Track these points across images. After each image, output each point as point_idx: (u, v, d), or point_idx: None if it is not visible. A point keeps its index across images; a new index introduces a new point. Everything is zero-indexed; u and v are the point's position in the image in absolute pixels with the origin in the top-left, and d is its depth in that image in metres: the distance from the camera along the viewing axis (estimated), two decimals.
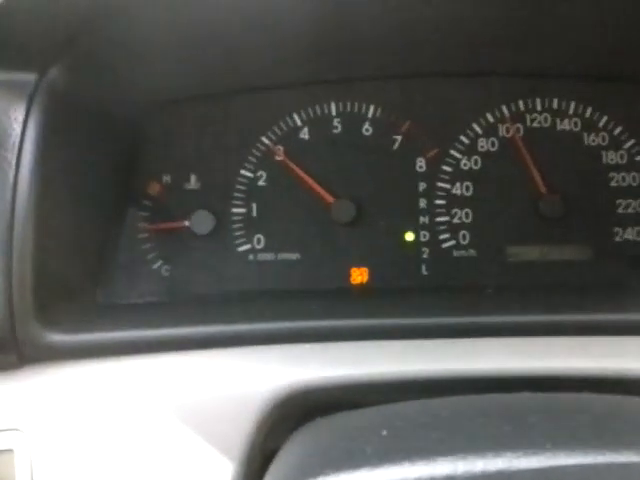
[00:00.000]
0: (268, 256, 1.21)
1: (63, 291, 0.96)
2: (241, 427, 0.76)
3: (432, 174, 1.21)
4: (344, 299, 1.14)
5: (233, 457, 0.76)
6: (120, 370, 0.86)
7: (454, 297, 1.11)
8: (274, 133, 1.23)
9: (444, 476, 0.54)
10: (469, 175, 1.21)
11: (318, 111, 1.23)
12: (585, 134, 1.21)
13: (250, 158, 1.22)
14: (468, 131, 1.22)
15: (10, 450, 0.79)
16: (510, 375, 0.78)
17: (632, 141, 1.21)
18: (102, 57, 0.99)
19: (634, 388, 0.75)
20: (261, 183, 1.22)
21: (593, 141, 1.21)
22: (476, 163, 1.22)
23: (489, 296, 1.09)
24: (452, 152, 1.22)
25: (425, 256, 1.20)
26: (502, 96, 1.23)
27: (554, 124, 1.22)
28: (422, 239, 1.20)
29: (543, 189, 1.18)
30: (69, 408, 0.82)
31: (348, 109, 1.23)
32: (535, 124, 1.22)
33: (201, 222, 1.19)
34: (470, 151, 1.22)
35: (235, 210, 1.21)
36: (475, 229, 1.20)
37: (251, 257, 1.21)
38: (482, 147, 1.22)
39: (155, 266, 1.20)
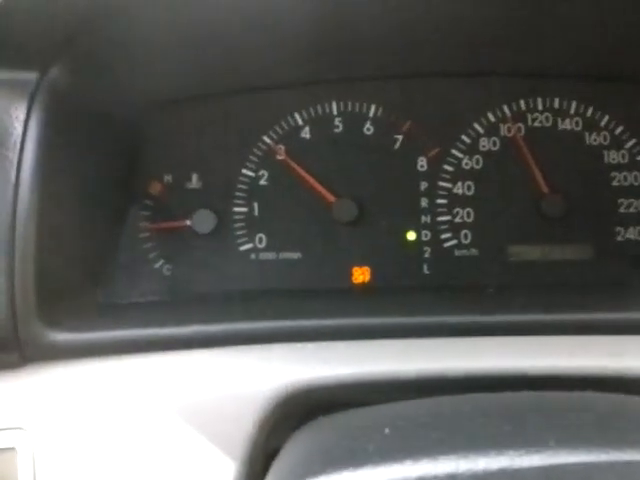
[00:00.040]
0: (270, 255, 1.21)
1: (65, 290, 0.96)
2: (243, 426, 0.76)
3: (433, 173, 1.21)
4: (346, 298, 1.14)
5: (235, 456, 0.76)
6: (122, 369, 0.86)
7: (456, 296, 1.11)
8: (275, 132, 1.23)
9: (446, 474, 0.54)
10: (470, 174, 1.21)
11: (319, 110, 1.23)
12: (586, 134, 1.21)
13: (251, 157, 1.22)
14: (469, 130, 1.22)
15: (12, 449, 0.79)
16: (512, 374, 0.78)
17: (633, 140, 1.21)
18: (102, 57, 0.99)
19: (635, 387, 0.75)
20: (262, 182, 1.22)
21: (594, 141, 1.21)
22: (477, 162, 1.22)
23: (490, 295, 1.09)
24: (453, 151, 1.22)
25: (427, 255, 1.20)
26: (503, 95, 1.23)
27: (555, 124, 1.22)
28: (424, 238, 1.20)
29: (545, 189, 1.18)
30: (71, 407, 0.82)
31: (349, 109, 1.23)
32: (536, 124, 1.22)
33: (203, 221, 1.19)
34: (471, 150, 1.22)
35: (236, 209, 1.21)
36: (477, 228, 1.20)
37: (253, 256, 1.21)
38: (483, 146, 1.22)
39: (157, 265, 1.20)
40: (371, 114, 1.23)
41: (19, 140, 0.87)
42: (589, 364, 0.78)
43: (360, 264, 1.20)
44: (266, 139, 1.23)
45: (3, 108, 0.87)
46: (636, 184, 1.20)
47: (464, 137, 1.22)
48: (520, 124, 1.22)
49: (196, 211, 1.19)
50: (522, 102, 1.22)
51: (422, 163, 1.22)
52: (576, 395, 0.71)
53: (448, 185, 1.21)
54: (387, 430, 0.63)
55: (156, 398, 0.81)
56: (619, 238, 1.19)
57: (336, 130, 1.23)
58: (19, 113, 0.88)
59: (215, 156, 1.22)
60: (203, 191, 1.22)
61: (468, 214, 1.21)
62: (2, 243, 0.85)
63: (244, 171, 1.22)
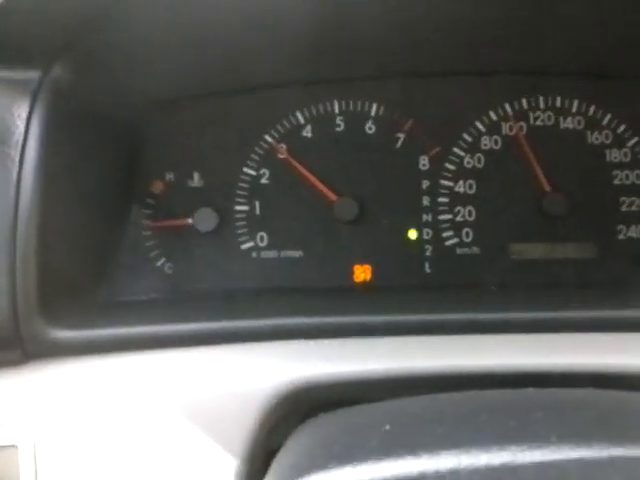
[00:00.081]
0: (271, 254, 1.21)
1: (67, 288, 0.96)
2: (244, 423, 0.76)
3: (435, 172, 1.21)
4: (347, 296, 1.14)
5: (236, 453, 0.76)
6: (123, 366, 0.86)
7: (457, 295, 1.11)
8: (277, 131, 1.23)
9: (448, 470, 0.54)
10: (472, 173, 1.21)
11: (321, 109, 1.23)
12: (588, 132, 1.21)
13: (253, 156, 1.22)
14: (471, 129, 1.22)
15: (14, 446, 0.79)
16: (513, 371, 0.78)
17: (635, 139, 1.20)
18: (103, 56, 0.99)
19: (637, 384, 0.75)
20: (264, 181, 1.22)
21: (596, 139, 1.21)
22: (479, 161, 1.22)
23: (492, 294, 1.09)
24: (455, 150, 1.22)
25: (428, 254, 1.20)
26: (505, 94, 1.22)
27: (557, 122, 1.22)
28: (425, 237, 1.20)
29: (546, 187, 1.18)
30: (73, 404, 0.82)
31: (351, 107, 1.23)
32: (538, 122, 1.22)
33: (204, 220, 1.19)
34: (473, 149, 1.22)
35: (238, 208, 1.21)
36: (478, 227, 1.20)
37: (254, 255, 1.21)
38: (485, 145, 1.22)
39: (158, 263, 1.20)
40: (373, 113, 1.23)
41: (21, 138, 0.87)
42: (591, 361, 0.79)
43: (361, 262, 1.20)
44: (267, 138, 1.23)
45: (6, 106, 0.88)
46: (638, 182, 1.20)
47: (466, 136, 1.22)
48: (522, 123, 1.22)
49: (198, 209, 1.19)
50: (524, 101, 1.22)
51: (424, 162, 1.22)
52: (578, 392, 0.71)
53: (450, 184, 1.21)
54: (388, 426, 0.63)
55: (157, 395, 0.82)
56: (621, 236, 1.19)
57: (337, 129, 1.23)
58: (21, 111, 0.88)
59: (217, 155, 1.22)
60: (205, 190, 1.22)
61: (470, 212, 1.21)
62: (4, 241, 0.85)
63: (245, 170, 1.22)
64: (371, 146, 1.22)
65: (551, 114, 1.22)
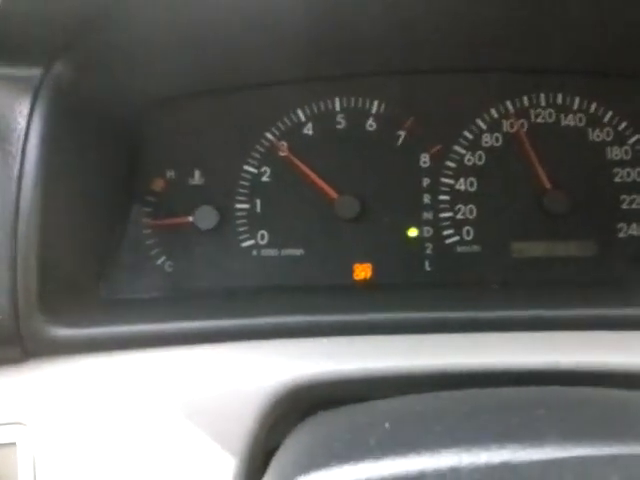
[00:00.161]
0: (272, 252, 1.21)
1: (67, 286, 0.96)
2: (244, 422, 0.76)
3: (436, 170, 1.21)
4: (347, 295, 1.14)
5: (235, 452, 0.76)
6: (122, 365, 0.86)
7: (458, 293, 1.11)
8: (278, 129, 1.23)
9: (448, 468, 0.54)
10: (473, 171, 1.21)
11: (322, 107, 1.23)
12: (589, 129, 1.21)
13: (254, 154, 1.22)
14: (472, 127, 1.22)
15: (13, 443, 0.79)
16: (514, 369, 0.78)
17: (637, 136, 1.20)
18: (105, 54, 0.99)
19: (638, 382, 0.75)
20: (265, 179, 1.22)
21: (597, 136, 1.21)
22: (480, 159, 1.21)
23: (493, 291, 1.09)
24: (456, 148, 1.22)
25: (429, 252, 1.20)
26: (506, 92, 1.22)
27: (558, 119, 1.21)
28: (426, 235, 1.20)
29: (547, 185, 1.18)
30: (72, 402, 0.82)
31: (352, 105, 1.23)
32: (539, 119, 1.22)
33: (205, 217, 1.19)
34: (474, 147, 1.22)
35: (239, 206, 1.21)
36: (479, 225, 1.20)
37: (255, 253, 1.21)
38: (486, 143, 1.22)
39: (159, 261, 1.20)
40: (374, 110, 1.23)
41: (22, 135, 0.87)
42: (592, 360, 0.78)
43: (362, 261, 1.20)
44: (268, 135, 1.23)
45: (7, 103, 0.88)
46: (639, 180, 1.19)
47: (467, 133, 1.22)
48: (523, 120, 1.21)
49: (198, 207, 1.19)
50: (525, 98, 1.22)
51: (424, 159, 1.22)
52: (579, 390, 0.71)
53: (450, 181, 1.21)
54: (388, 424, 0.63)
55: (157, 394, 0.82)
56: (622, 234, 1.18)
57: (338, 126, 1.23)
58: (23, 108, 0.88)
59: (217, 153, 1.22)
60: (205, 187, 1.22)
61: (470, 210, 1.20)
62: (4, 238, 0.85)
63: (246, 167, 1.22)
64: (372, 144, 1.22)
65: (552, 111, 1.22)
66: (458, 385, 0.74)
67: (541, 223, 1.19)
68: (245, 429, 0.76)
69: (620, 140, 1.20)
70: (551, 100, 1.22)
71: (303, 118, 1.23)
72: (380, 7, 0.98)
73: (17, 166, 0.87)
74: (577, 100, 1.21)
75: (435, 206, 1.21)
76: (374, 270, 1.20)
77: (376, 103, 1.23)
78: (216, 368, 0.83)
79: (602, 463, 0.53)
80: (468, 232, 1.20)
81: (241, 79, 1.21)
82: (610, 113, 1.21)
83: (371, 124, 1.23)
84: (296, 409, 0.77)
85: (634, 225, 1.19)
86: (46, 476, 0.79)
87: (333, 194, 1.20)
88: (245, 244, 1.21)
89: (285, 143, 1.22)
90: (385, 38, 1.09)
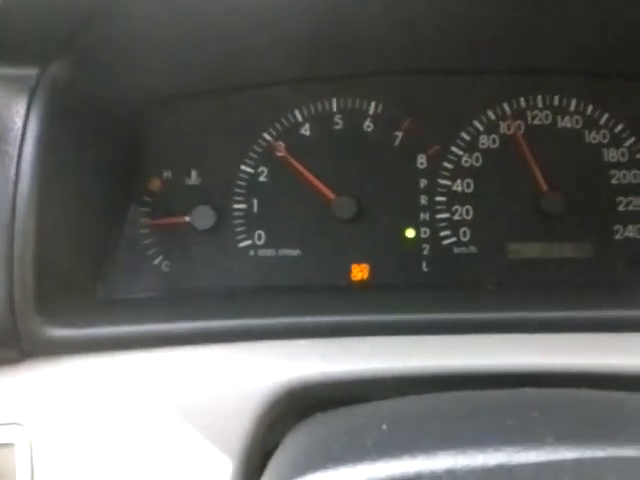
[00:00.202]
0: (269, 252, 1.21)
1: (64, 286, 0.96)
2: (241, 423, 0.76)
3: (433, 171, 1.21)
4: (344, 295, 1.14)
5: (232, 453, 0.76)
6: (119, 365, 0.86)
7: (454, 294, 1.11)
8: (275, 129, 1.23)
9: (444, 470, 0.54)
10: (470, 172, 1.21)
11: (319, 107, 1.23)
12: (586, 131, 1.21)
13: (251, 154, 1.22)
14: (469, 128, 1.22)
15: (11, 444, 0.79)
16: (510, 371, 0.78)
17: (633, 139, 1.21)
18: (102, 53, 0.99)
19: (633, 384, 0.75)
20: (262, 179, 1.22)
21: (594, 139, 1.21)
22: (477, 160, 1.22)
23: (489, 293, 1.09)
24: (453, 149, 1.22)
25: (426, 253, 1.20)
26: (503, 93, 1.23)
27: (555, 121, 1.22)
28: (423, 236, 1.20)
29: (544, 186, 1.18)
30: (70, 402, 0.82)
31: (349, 105, 1.23)
32: (536, 121, 1.22)
33: (202, 218, 1.19)
34: (471, 148, 1.22)
35: (236, 206, 1.21)
36: (476, 226, 1.20)
37: (252, 253, 1.21)
38: (483, 144, 1.22)
39: (156, 261, 1.20)
40: (371, 111, 1.23)
41: (19, 135, 0.87)
42: (588, 361, 0.79)
43: (359, 261, 1.20)
44: (266, 136, 1.23)
45: (3, 103, 0.87)
46: (635, 182, 1.20)
47: (464, 134, 1.22)
48: (520, 122, 1.22)
49: (195, 207, 1.19)
50: (522, 100, 1.22)
51: (422, 160, 1.22)
52: (574, 392, 0.71)
53: (447, 182, 1.21)
54: (385, 426, 0.63)
55: (153, 394, 0.82)
56: (618, 236, 1.19)
57: (336, 127, 1.23)
58: (19, 108, 0.88)
59: (214, 152, 1.22)
60: (202, 187, 1.22)
61: (467, 211, 1.21)
62: (1, 239, 0.85)
63: (243, 167, 1.22)
64: (369, 144, 1.22)
65: (549, 113, 1.22)
66: (454, 386, 0.74)
67: (538, 224, 1.19)
68: (242, 430, 0.76)
69: (616, 142, 1.21)
70: (548, 102, 1.22)
71: (300, 118, 1.23)
72: (380, 7, 0.98)
73: (14, 166, 0.86)
74: (574, 102, 1.22)
75: (432, 207, 1.21)
76: (371, 271, 1.20)
77: (373, 104, 1.23)
78: (213, 369, 0.83)
79: (598, 465, 0.53)
80: (465, 233, 1.20)
81: (239, 78, 1.21)
82: (606, 115, 1.21)
83: (368, 125, 1.23)
84: (293, 410, 0.77)
85: (630, 227, 1.19)
86: (44, 476, 0.79)
87: (330, 195, 1.20)
88: (242, 244, 1.21)
89: (282, 143, 1.22)
90: (384, 38, 1.09)
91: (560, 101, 1.22)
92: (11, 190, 0.86)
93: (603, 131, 1.21)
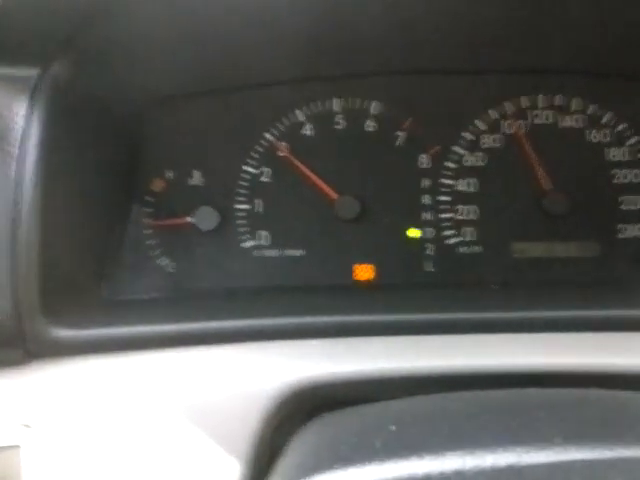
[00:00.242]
0: (272, 252, 1.21)
1: (68, 287, 0.96)
2: (248, 424, 0.76)
3: (435, 170, 1.21)
4: (348, 295, 1.14)
5: (240, 454, 0.76)
6: (125, 366, 0.86)
7: (459, 293, 1.11)
8: (277, 129, 1.23)
9: (453, 471, 0.54)
10: (473, 171, 1.21)
11: (321, 107, 1.23)
12: (588, 131, 1.21)
13: (253, 154, 1.22)
14: (471, 127, 1.22)
15: (17, 446, 0.79)
16: (516, 371, 0.78)
17: (636, 138, 1.21)
18: (103, 53, 0.99)
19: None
20: (265, 179, 1.22)
21: (596, 138, 1.21)
22: (479, 159, 1.22)
23: (494, 292, 1.09)
24: (455, 148, 1.22)
25: (429, 252, 1.20)
26: (505, 92, 1.22)
27: (557, 121, 1.22)
28: (426, 235, 1.20)
29: (547, 186, 1.18)
30: (75, 404, 0.82)
31: (351, 105, 1.23)
32: (538, 120, 1.22)
33: (205, 218, 1.19)
34: (473, 147, 1.22)
35: (239, 206, 1.21)
36: (480, 225, 1.20)
37: (255, 253, 1.21)
38: (485, 144, 1.22)
39: (159, 262, 1.20)
40: (373, 111, 1.23)
41: (20, 135, 0.87)
42: (593, 361, 0.79)
43: (362, 261, 1.20)
44: (268, 136, 1.23)
45: (5, 103, 0.87)
46: (637, 181, 1.20)
47: (466, 134, 1.22)
48: (522, 121, 1.22)
49: (198, 208, 1.19)
50: (524, 99, 1.22)
51: (424, 160, 1.22)
52: (581, 392, 0.71)
53: (450, 182, 1.21)
54: (393, 427, 0.63)
55: (160, 395, 0.81)
56: (621, 235, 1.19)
57: (338, 127, 1.23)
58: (20, 108, 0.88)
59: (217, 153, 1.22)
60: (205, 188, 1.21)
61: (471, 211, 1.21)
62: (5, 240, 0.85)
63: (246, 168, 1.22)
64: (371, 144, 1.22)
65: (551, 112, 1.22)
66: (461, 386, 0.74)
67: (541, 224, 1.19)
68: (250, 431, 0.76)
69: (619, 141, 1.20)
70: (550, 101, 1.22)
71: (302, 118, 1.23)
72: (380, 7, 0.98)
73: (16, 166, 0.86)
74: (576, 101, 1.21)
75: (435, 207, 1.21)
76: (375, 271, 1.20)
77: (375, 103, 1.23)
78: (218, 369, 0.83)
79: (607, 465, 0.53)
80: (469, 233, 1.20)
81: (241, 78, 1.21)
82: (609, 114, 1.21)
83: (370, 125, 1.23)
84: (300, 410, 0.76)
85: (633, 226, 1.19)
86: (49, 478, 0.78)
87: (333, 194, 1.20)
88: (245, 245, 1.21)
89: (285, 143, 1.22)
90: (385, 38, 1.09)
91: (562, 100, 1.22)
92: (13, 190, 0.86)
93: (605, 130, 1.21)
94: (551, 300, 0.96)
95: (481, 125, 1.22)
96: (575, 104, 1.22)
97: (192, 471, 0.76)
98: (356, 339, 0.86)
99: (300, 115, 1.23)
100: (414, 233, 1.20)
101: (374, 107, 1.23)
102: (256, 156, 1.22)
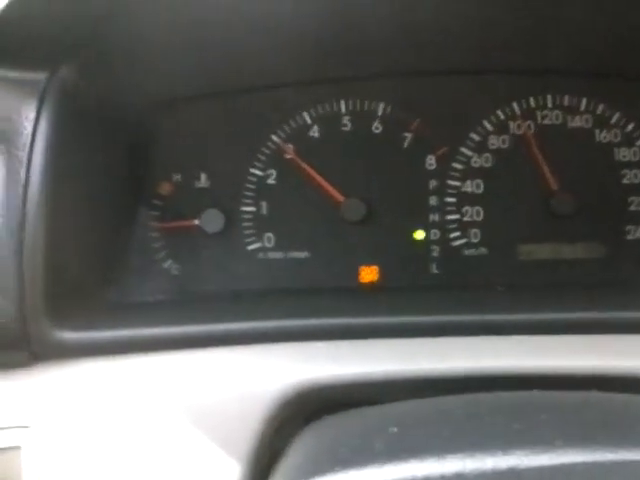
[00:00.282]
0: (278, 254, 1.21)
1: (74, 289, 0.96)
2: (249, 426, 0.76)
3: (442, 172, 1.21)
4: (354, 297, 1.14)
5: (241, 456, 0.76)
6: (129, 368, 0.86)
7: (464, 295, 1.11)
8: (284, 131, 1.23)
9: (453, 473, 0.54)
10: (480, 173, 1.21)
11: (328, 109, 1.23)
12: (597, 131, 1.20)
13: (260, 156, 1.22)
14: (479, 128, 1.21)
15: (17, 447, 0.79)
16: (520, 373, 0.78)
17: None
18: (111, 57, 0.99)
19: None
20: (271, 181, 1.22)
21: (605, 138, 1.20)
22: (487, 161, 1.21)
23: (500, 294, 1.08)
24: (462, 150, 1.21)
25: (435, 254, 1.20)
26: (512, 93, 1.22)
27: (565, 121, 1.21)
28: (432, 237, 1.20)
29: (554, 187, 1.17)
30: (78, 406, 0.83)
31: (358, 107, 1.23)
32: (546, 121, 1.21)
33: (211, 221, 1.19)
34: (481, 149, 1.21)
35: (245, 209, 1.21)
36: (486, 227, 1.19)
37: (261, 255, 1.21)
38: (493, 144, 1.21)
39: (165, 265, 1.20)
40: (380, 112, 1.23)
41: (29, 139, 0.88)
42: (599, 364, 0.78)
43: (368, 263, 1.20)
44: (274, 138, 1.23)
45: (13, 107, 0.88)
46: None
47: (473, 135, 1.21)
48: (530, 122, 1.21)
49: (205, 211, 1.19)
50: (532, 100, 1.21)
51: (431, 161, 1.21)
52: (584, 394, 0.71)
53: (457, 183, 1.21)
54: (394, 429, 0.63)
55: (163, 397, 0.82)
56: (630, 236, 1.18)
57: (344, 129, 1.23)
58: (29, 112, 0.88)
59: (223, 155, 1.22)
60: (212, 190, 1.22)
61: (477, 212, 1.20)
62: (11, 242, 0.86)
63: (252, 170, 1.22)
64: (378, 146, 1.22)
65: (559, 113, 1.21)
66: (464, 389, 0.74)
67: (548, 225, 1.18)
68: (250, 433, 0.76)
69: (628, 141, 1.19)
70: (558, 101, 1.21)
71: (309, 121, 1.23)
72: (387, 9, 0.98)
73: (24, 170, 0.87)
74: (584, 101, 1.21)
75: (442, 208, 1.20)
76: (381, 272, 1.19)
77: (382, 105, 1.23)
78: (222, 371, 0.83)
79: (608, 468, 0.53)
80: (475, 234, 1.20)
81: (246, 81, 1.21)
82: (617, 114, 1.20)
83: (377, 126, 1.23)
84: (302, 413, 0.76)
85: None
86: None
87: (339, 197, 1.20)
88: (251, 247, 1.21)
89: (291, 146, 1.22)
90: (392, 40, 1.09)
91: (570, 100, 1.21)
92: (21, 194, 0.87)
93: (614, 130, 1.20)
94: (557, 302, 0.96)
95: (489, 126, 1.21)
96: (583, 104, 1.21)
97: (193, 473, 0.76)
98: (360, 341, 0.86)
99: (307, 117, 1.23)
100: (420, 235, 1.20)
101: (381, 109, 1.23)
102: (263, 158, 1.22)
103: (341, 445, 0.64)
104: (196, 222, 1.20)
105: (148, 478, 0.77)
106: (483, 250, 1.19)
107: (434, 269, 1.19)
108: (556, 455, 0.54)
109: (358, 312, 0.93)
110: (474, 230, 1.20)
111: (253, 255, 1.21)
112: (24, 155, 0.87)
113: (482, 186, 1.20)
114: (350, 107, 1.23)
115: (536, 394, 0.70)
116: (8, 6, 0.80)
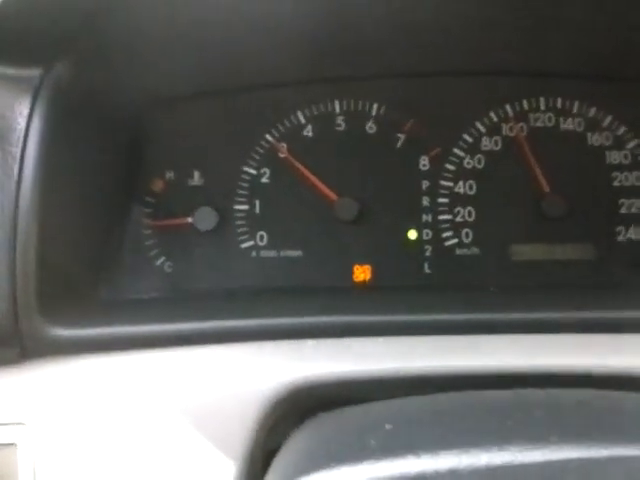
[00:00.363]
0: (271, 253, 1.21)
1: (66, 286, 0.96)
2: (243, 424, 0.76)
3: (435, 172, 1.21)
4: (346, 296, 1.14)
5: (235, 455, 0.75)
6: (121, 365, 0.86)
7: (456, 295, 1.11)
8: (278, 130, 1.23)
9: (447, 469, 0.54)
10: (472, 174, 1.21)
11: (322, 109, 1.23)
12: (589, 134, 1.21)
13: (253, 155, 1.22)
14: (471, 130, 1.22)
15: (13, 444, 0.79)
16: (512, 372, 0.78)
17: (636, 141, 1.20)
18: (105, 54, 0.99)
19: (636, 385, 0.75)
20: (264, 180, 1.22)
21: (596, 141, 1.21)
22: (479, 162, 1.22)
23: (492, 294, 1.09)
24: (455, 151, 1.22)
25: (428, 254, 1.20)
26: (505, 95, 1.22)
27: (557, 124, 1.22)
28: (425, 237, 1.20)
29: (546, 188, 1.18)
30: (72, 403, 0.82)
31: (352, 107, 1.23)
32: (539, 123, 1.22)
33: (204, 218, 1.19)
34: (473, 150, 1.22)
35: (238, 207, 1.21)
36: (478, 228, 1.20)
37: (254, 254, 1.21)
38: (485, 146, 1.22)
39: (158, 262, 1.20)
40: (373, 113, 1.23)
41: (22, 136, 0.87)
42: (590, 362, 0.78)
43: (361, 262, 1.20)
44: (268, 137, 1.23)
45: (7, 104, 0.87)
46: (638, 184, 1.20)
47: (466, 136, 1.22)
48: (522, 124, 1.22)
49: (197, 208, 1.19)
50: (524, 102, 1.22)
51: (424, 162, 1.22)
52: (578, 392, 0.71)
53: (450, 184, 1.21)
54: (388, 426, 0.63)
55: (156, 395, 0.81)
56: (620, 238, 1.19)
57: (338, 128, 1.23)
58: (23, 109, 0.88)
59: (217, 153, 1.22)
60: (205, 188, 1.22)
61: (469, 213, 1.21)
62: (4, 238, 0.85)
63: (246, 169, 1.22)
64: (372, 146, 1.22)
65: (551, 115, 1.22)
66: (457, 387, 0.74)
67: (540, 227, 1.19)
68: (245, 430, 0.76)
69: (619, 144, 1.20)
70: (550, 104, 1.22)
71: (303, 120, 1.23)
72: (383, 10, 0.98)
73: (17, 166, 0.86)
74: (576, 104, 1.22)
75: (434, 208, 1.21)
76: (373, 272, 1.20)
77: (376, 106, 1.23)
78: (215, 369, 0.83)
79: (601, 465, 0.53)
80: (467, 235, 1.20)
81: (242, 80, 1.21)
82: (609, 117, 1.21)
83: (371, 126, 1.23)
84: (296, 410, 0.76)
85: (632, 229, 1.19)
86: (46, 477, 0.79)
87: (332, 196, 1.20)
88: (244, 245, 1.21)
89: (285, 145, 1.22)
90: (387, 41, 1.09)
91: (563, 103, 1.22)
92: (14, 190, 0.86)
93: (606, 133, 1.21)
94: (549, 302, 0.96)
95: (481, 128, 1.22)
96: (576, 107, 1.22)
97: (187, 471, 0.76)
98: (353, 339, 0.86)
99: (301, 116, 1.23)
100: (413, 235, 1.20)
101: (375, 109, 1.23)
102: (256, 157, 1.22)
103: (336, 442, 0.64)
104: (189, 220, 1.19)
105: (141, 475, 0.77)
106: (475, 250, 1.20)
107: (427, 268, 1.20)
108: (550, 451, 0.54)
109: (351, 311, 0.93)
110: (466, 230, 1.20)
111: (246, 253, 1.21)
112: (17, 151, 0.87)
113: (474, 187, 1.21)
114: (344, 107, 1.23)
115: (528, 392, 0.71)
116: (3, 2, 0.80)
